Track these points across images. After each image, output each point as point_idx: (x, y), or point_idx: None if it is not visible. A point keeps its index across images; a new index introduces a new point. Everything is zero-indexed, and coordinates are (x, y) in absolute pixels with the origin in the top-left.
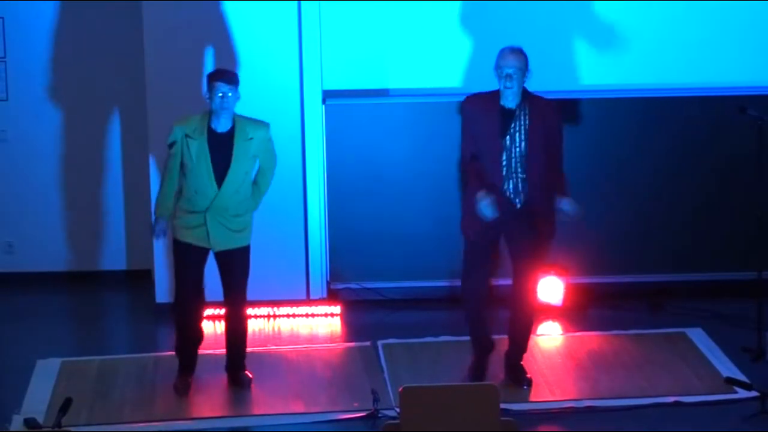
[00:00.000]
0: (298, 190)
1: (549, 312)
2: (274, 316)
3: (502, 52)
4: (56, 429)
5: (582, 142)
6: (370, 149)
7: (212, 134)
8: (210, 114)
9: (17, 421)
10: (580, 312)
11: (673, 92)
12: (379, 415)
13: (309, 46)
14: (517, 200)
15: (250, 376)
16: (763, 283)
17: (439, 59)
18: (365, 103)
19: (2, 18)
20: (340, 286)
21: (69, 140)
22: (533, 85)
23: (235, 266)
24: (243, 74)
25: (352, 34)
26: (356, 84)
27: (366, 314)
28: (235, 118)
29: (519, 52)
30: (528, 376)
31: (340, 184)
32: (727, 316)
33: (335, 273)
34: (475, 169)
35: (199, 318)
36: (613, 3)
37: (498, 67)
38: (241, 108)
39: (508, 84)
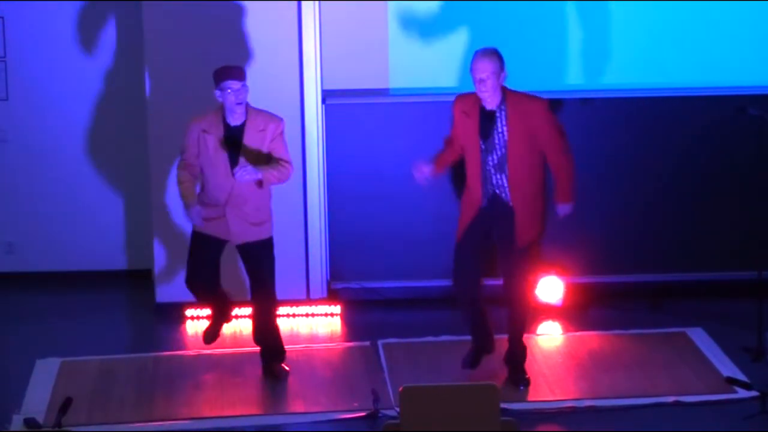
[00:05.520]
0: (297, 190)
1: (549, 312)
2: None
3: (474, 56)
4: (56, 429)
5: (581, 142)
6: (370, 149)
7: (227, 128)
8: (223, 109)
9: (17, 421)
10: (580, 312)
11: (673, 92)
12: (379, 415)
13: (308, 45)
14: (497, 200)
15: (287, 369)
16: (763, 283)
17: (439, 59)
18: (365, 103)
19: (2, 18)
20: (340, 285)
21: (69, 140)
22: (533, 85)
23: (257, 259)
24: None
25: (352, 34)
26: (356, 84)
27: (366, 314)
28: (249, 110)
29: (491, 54)
30: (526, 377)
31: (340, 183)
32: (727, 316)
33: (335, 273)
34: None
35: (213, 289)
36: (614, 3)
37: (471, 71)
38: None
39: (482, 88)
